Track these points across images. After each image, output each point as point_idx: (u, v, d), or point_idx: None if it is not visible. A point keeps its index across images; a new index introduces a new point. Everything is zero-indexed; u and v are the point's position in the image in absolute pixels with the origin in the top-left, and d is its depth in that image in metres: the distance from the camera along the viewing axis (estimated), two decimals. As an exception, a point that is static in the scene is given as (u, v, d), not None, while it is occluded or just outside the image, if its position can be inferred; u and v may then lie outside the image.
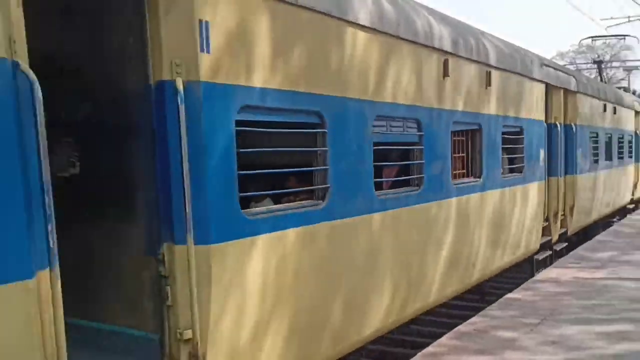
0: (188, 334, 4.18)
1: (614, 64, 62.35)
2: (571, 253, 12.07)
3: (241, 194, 4.49)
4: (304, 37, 5.10)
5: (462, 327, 7.29)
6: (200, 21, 4.08)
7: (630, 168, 19.26)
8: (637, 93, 27.47)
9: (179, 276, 4.19)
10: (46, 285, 3.28)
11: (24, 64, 3.18)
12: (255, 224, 4.64)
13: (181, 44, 4.06)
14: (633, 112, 19.44)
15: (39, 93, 3.20)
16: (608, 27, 29.90)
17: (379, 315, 6.43)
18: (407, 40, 6.58)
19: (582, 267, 10.48)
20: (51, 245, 3.27)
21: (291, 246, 5.02)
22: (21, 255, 3.17)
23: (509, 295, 8.70)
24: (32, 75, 3.19)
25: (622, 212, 19.06)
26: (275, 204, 5.38)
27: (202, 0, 4.09)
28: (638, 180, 20.71)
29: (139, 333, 4.37)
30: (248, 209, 4.72)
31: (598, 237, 13.85)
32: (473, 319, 7.60)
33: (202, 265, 4.19)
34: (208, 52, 4.12)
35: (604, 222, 16.56)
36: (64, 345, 3.38)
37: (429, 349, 6.58)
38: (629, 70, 53.43)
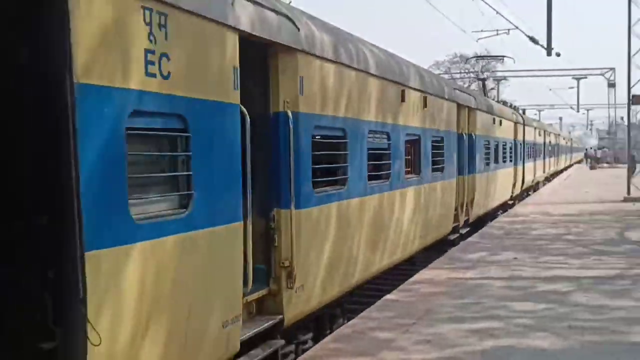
0: (287, 262, 6.55)
1: (485, 74, 65.76)
2: (445, 254, 12.66)
3: (314, 179, 7.19)
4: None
5: (342, 329, 7.49)
6: (300, 77, 6.70)
7: (511, 170, 23.40)
8: (509, 104, 29.70)
9: (283, 229, 6.58)
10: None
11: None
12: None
13: (290, 90, 6.58)
14: (513, 124, 23.97)
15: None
16: (479, 39, 31.49)
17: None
18: (374, 75, 9.11)
19: (455, 267, 11.03)
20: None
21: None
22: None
23: (387, 296, 9.02)
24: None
25: (504, 207, 22.64)
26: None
27: (300, 65, 6.70)
28: (516, 180, 24.52)
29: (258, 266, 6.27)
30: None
31: (469, 239, 14.62)
32: (352, 321, 7.82)
33: (296, 222, 6.62)
34: (302, 94, 6.74)
35: (493, 212, 20.45)
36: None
37: (309, 352, 6.71)
38: (498, 80, 56.59)
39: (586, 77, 56.80)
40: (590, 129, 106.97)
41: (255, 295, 6.24)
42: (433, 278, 10.16)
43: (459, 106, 14.83)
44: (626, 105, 27.04)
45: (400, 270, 10.88)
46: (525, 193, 28.75)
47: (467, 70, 66.90)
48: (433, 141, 12.33)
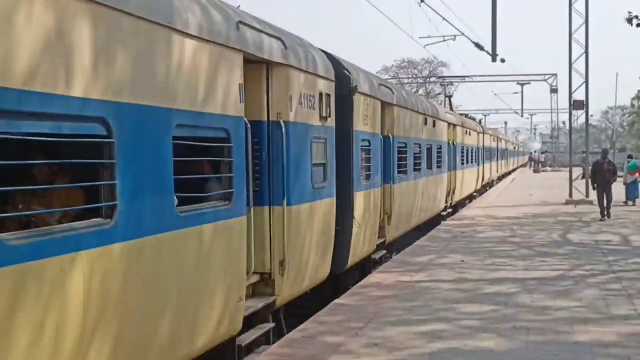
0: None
1: (432, 79, 66.80)
2: (394, 258, 12.78)
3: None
4: None
5: (291, 334, 7.47)
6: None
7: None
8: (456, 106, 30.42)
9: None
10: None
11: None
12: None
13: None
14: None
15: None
16: (426, 45, 31.91)
17: None
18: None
19: (403, 271, 11.13)
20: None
21: None
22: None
23: (337, 300, 9.04)
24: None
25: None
26: None
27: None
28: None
29: None
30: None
31: (418, 242, 14.78)
32: (302, 325, 7.80)
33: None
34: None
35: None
36: None
37: (261, 357, 6.67)
38: (444, 85, 57.45)
39: (530, 83, 58.22)
40: (534, 133, 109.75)
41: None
42: (382, 281, 10.24)
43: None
44: (567, 110, 27.78)
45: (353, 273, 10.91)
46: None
47: (415, 76, 67.89)
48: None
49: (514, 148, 72.72)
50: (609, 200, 19.27)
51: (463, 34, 26.68)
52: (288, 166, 7.73)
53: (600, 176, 19.51)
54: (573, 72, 25.72)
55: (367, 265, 11.97)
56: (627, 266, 11.43)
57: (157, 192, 5.18)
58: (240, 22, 6.62)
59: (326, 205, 9.19)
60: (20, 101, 3.84)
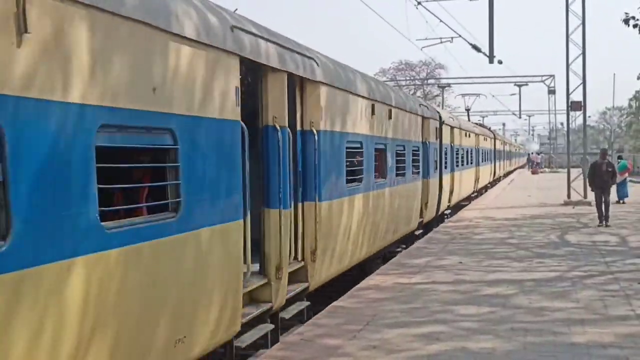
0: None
1: (430, 81, 66.89)
2: (392, 260, 12.78)
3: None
4: None
5: (290, 337, 7.47)
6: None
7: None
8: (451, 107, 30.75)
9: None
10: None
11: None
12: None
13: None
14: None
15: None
16: (423, 47, 31.94)
17: None
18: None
19: (401, 273, 11.14)
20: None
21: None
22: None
23: (335, 303, 9.04)
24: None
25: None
26: None
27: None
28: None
29: None
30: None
31: (416, 244, 14.78)
32: (300, 328, 7.81)
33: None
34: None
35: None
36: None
37: (258, 361, 6.68)
38: (442, 87, 57.53)
39: (527, 84, 58.27)
40: (532, 135, 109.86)
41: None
42: (380, 284, 10.24)
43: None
44: (565, 112, 27.81)
45: (348, 276, 10.90)
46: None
47: (412, 78, 67.93)
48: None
49: (517, 150, 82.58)
50: (607, 204, 17.99)
51: (460, 36, 26.67)
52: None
53: (599, 178, 18.35)
54: (570, 74, 25.75)
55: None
56: (625, 267, 11.44)
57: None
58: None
59: None
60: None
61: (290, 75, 7.99)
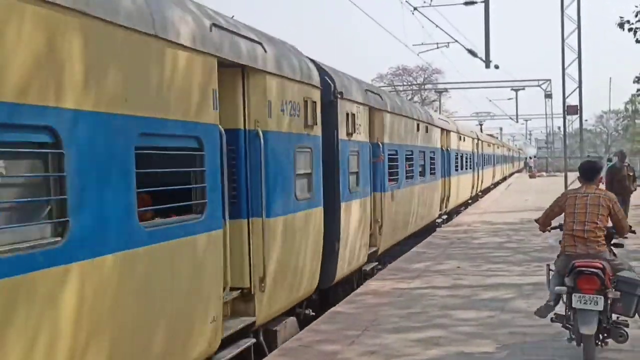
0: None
1: (427, 86, 66.99)
2: (390, 265, 12.78)
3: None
4: None
5: (288, 344, 7.47)
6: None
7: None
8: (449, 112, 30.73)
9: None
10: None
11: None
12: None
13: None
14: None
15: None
16: (420, 52, 32.06)
17: None
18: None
19: (400, 278, 11.14)
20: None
21: None
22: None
23: (334, 309, 9.04)
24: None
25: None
26: None
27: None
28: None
29: None
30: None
31: (414, 249, 14.78)
32: (299, 334, 7.81)
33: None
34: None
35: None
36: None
37: (257, 367, 6.67)
38: (439, 92, 57.62)
39: (524, 89, 58.45)
40: (530, 139, 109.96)
41: None
42: (378, 289, 10.24)
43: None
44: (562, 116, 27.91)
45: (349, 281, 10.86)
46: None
47: (409, 83, 68.08)
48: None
49: (517, 154, 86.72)
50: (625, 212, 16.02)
51: (456, 41, 26.77)
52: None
53: (618, 183, 15.55)
54: (566, 78, 25.84)
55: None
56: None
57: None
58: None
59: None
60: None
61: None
